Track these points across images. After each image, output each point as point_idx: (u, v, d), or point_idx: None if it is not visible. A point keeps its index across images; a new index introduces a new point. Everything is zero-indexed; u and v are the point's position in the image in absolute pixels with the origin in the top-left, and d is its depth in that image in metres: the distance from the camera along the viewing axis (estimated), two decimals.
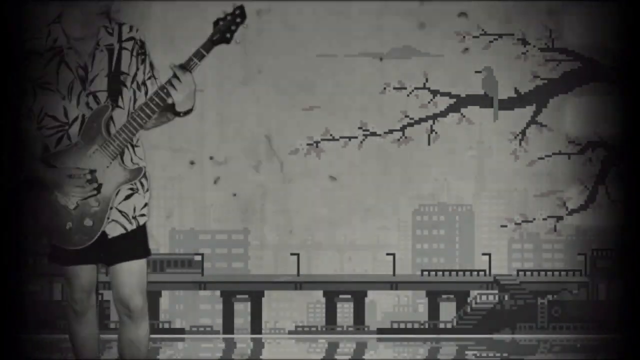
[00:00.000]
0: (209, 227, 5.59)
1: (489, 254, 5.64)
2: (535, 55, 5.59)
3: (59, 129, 3.63)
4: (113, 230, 3.69)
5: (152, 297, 5.30)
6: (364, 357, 5.38)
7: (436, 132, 5.62)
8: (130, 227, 3.72)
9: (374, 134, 5.60)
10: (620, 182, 5.58)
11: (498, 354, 5.35)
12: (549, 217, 5.64)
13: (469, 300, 5.65)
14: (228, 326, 5.63)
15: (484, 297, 5.65)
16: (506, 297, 5.65)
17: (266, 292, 5.63)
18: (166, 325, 5.61)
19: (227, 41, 3.62)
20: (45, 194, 3.60)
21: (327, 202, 5.60)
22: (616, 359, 5.30)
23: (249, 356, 5.35)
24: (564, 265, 5.66)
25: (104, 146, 3.59)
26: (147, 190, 3.80)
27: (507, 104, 5.62)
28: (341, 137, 5.61)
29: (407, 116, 5.61)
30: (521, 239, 5.66)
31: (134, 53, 3.70)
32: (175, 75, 3.56)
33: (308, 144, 5.60)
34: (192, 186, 5.58)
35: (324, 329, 5.66)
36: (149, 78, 3.74)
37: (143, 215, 3.77)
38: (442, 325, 5.66)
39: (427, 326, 5.66)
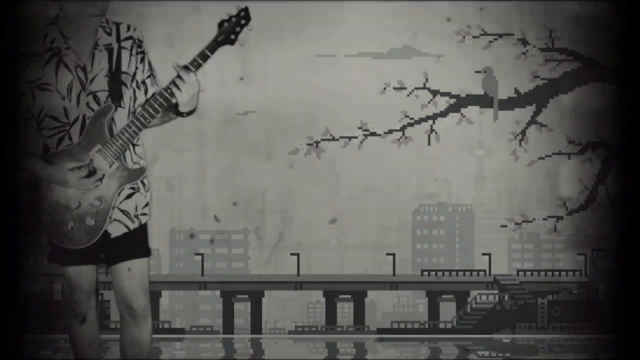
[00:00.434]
0: (209, 227, 5.59)
1: (489, 254, 5.64)
2: (535, 55, 5.59)
3: (60, 130, 3.63)
4: (116, 230, 3.69)
5: (152, 297, 5.28)
6: (363, 357, 5.37)
7: (436, 132, 5.61)
8: (132, 226, 3.72)
9: (374, 134, 5.60)
10: (620, 182, 5.58)
11: (500, 354, 5.35)
12: (549, 217, 5.64)
13: (469, 300, 5.65)
14: (228, 326, 5.63)
15: (484, 297, 5.65)
16: (506, 297, 5.65)
17: (266, 292, 5.63)
18: (166, 325, 5.60)
19: (232, 42, 3.63)
20: (46, 194, 3.60)
21: (327, 202, 5.60)
22: (616, 359, 5.30)
23: (250, 356, 5.34)
24: (563, 265, 5.66)
25: (106, 146, 3.59)
26: (148, 189, 3.80)
27: (507, 104, 5.62)
28: (341, 137, 5.61)
29: (407, 116, 5.61)
30: (521, 239, 5.66)
31: (133, 52, 3.70)
32: (179, 76, 3.57)
33: (308, 144, 5.60)
34: (192, 186, 5.57)
35: (324, 329, 5.66)
36: (148, 77, 3.75)
37: (144, 214, 3.78)
38: (442, 325, 5.65)
39: (427, 326, 5.66)
